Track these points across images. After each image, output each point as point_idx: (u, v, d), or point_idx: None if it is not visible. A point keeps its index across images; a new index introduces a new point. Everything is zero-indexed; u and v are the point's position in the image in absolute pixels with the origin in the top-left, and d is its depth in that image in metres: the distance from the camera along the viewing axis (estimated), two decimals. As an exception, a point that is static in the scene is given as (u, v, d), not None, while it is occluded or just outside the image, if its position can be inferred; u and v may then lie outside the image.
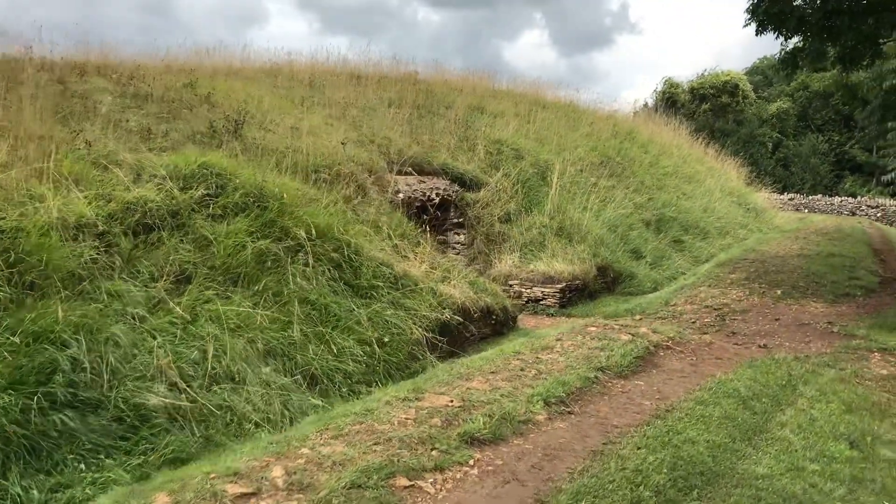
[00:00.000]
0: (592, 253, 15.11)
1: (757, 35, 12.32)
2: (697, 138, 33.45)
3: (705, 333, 11.59)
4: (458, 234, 14.74)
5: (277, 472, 4.36)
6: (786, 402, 6.94)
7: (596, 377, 6.77)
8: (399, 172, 14.06)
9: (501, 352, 7.47)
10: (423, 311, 9.72)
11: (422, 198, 13.71)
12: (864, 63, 12.85)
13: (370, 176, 12.72)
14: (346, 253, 9.54)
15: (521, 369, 6.68)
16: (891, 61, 9.69)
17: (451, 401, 5.66)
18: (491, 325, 11.27)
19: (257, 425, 6.91)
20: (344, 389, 7.99)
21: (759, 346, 10.34)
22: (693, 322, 12.33)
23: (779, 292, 13.12)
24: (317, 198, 10.78)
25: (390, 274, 9.84)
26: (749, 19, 12.35)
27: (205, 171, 9.24)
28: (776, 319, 11.86)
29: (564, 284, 13.71)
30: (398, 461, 4.63)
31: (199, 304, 7.81)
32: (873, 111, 10.51)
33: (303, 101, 15.26)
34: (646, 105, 59.66)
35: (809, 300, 12.83)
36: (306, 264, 9.14)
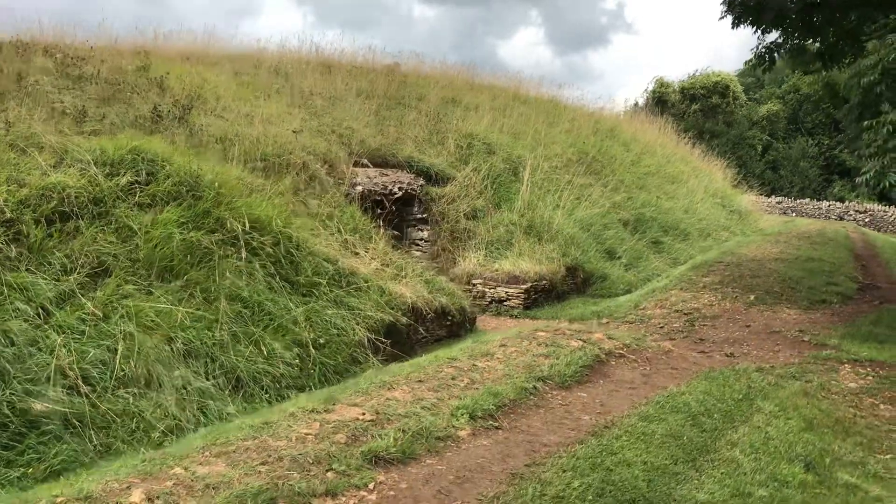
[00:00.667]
0: (562, 252, 14.56)
1: (733, 28, 11.79)
2: (684, 138, 32.92)
3: (672, 339, 11.07)
4: (422, 230, 14.16)
5: (137, 497, 3.78)
6: (740, 418, 6.40)
7: (534, 388, 6.21)
8: (360, 164, 13.48)
9: (436, 358, 6.91)
10: (368, 310, 9.15)
11: (382, 191, 13.12)
12: (847, 61, 12.32)
13: (326, 167, 12.13)
14: (286, 247, 8.95)
15: (453, 378, 6.11)
16: (869, 57, 9.14)
17: (364, 413, 5.09)
18: (446, 326, 10.72)
19: (165, 433, 6.33)
20: (270, 394, 7.42)
21: (726, 355, 9.81)
22: (661, 327, 11.80)
23: (752, 297, 12.60)
24: (262, 188, 10.19)
25: (335, 270, 9.26)
26: (725, 11, 11.82)
27: (135, 156, 8.63)
28: (747, 326, 11.33)
29: (530, 285, 13.15)
30: (283, 485, 4.06)
31: (115, 299, 7.22)
32: (851, 109, 9.98)
33: (265, 88, 14.65)
34: (636, 104, 59.38)
35: (783, 306, 12.31)
36: (241, 258, 8.55)
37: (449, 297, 10.84)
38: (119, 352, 6.58)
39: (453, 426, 5.15)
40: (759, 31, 11.77)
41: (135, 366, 6.61)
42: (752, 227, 27.89)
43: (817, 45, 11.93)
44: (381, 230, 11.15)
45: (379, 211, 11.68)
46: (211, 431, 5.16)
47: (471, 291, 13.24)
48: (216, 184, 8.97)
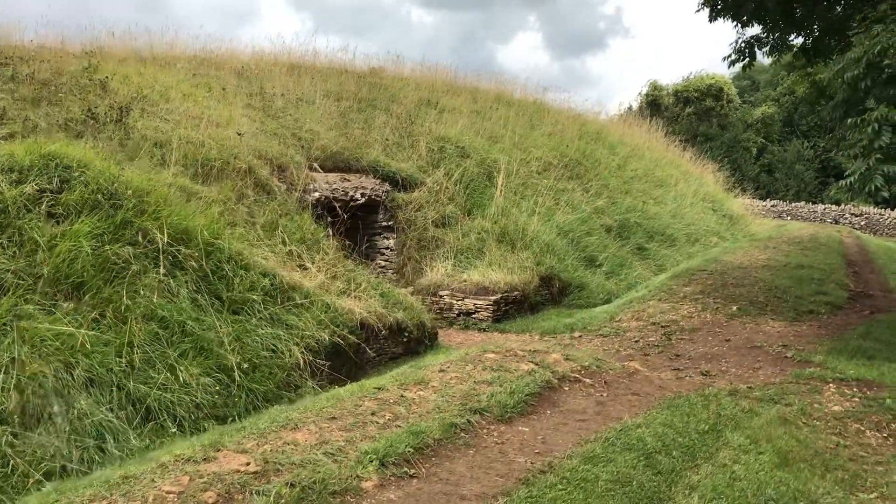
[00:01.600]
0: (536, 261, 13.79)
1: (710, 21, 11.04)
2: (674, 141, 32.17)
3: (646, 355, 10.32)
4: (388, 239, 13.39)
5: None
6: (704, 454, 5.62)
7: (468, 423, 5.42)
8: (321, 169, 12.71)
9: (360, 388, 6.12)
10: (309, 329, 8.37)
11: (343, 197, 12.35)
12: (833, 56, 11.56)
13: (278, 172, 11.37)
14: (217, 260, 8.17)
15: (373, 413, 5.33)
16: (853, 50, 8.39)
17: (249, 462, 4.30)
18: (403, 343, 9.94)
19: (48, 476, 5.55)
20: (185, 426, 6.64)
21: (701, 374, 9.05)
22: (636, 341, 11.04)
23: (734, 308, 11.82)
24: (199, 195, 9.43)
25: (272, 285, 8.48)
26: (701, 4, 11.07)
27: (49, 162, 7.85)
28: (727, 340, 10.56)
29: (500, 296, 12.38)
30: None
31: (8, 320, 6.43)
32: (836, 107, 9.23)
33: (223, 90, 13.89)
34: (630, 108, 58.71)
35: (767, 318, 11.54)
36: (166, 273, 7.77)
37: (406, 312, 10.06)
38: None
39: (357, 476, 4.37)
40: (739, 25, 11.02)
41: (19, 397, 5.83)
42: (743, 231, 27.13)
43: (801, 39, 11.20)
44: (333, 240, 10.37)
45: (330, 219, 10.89)
46: (57, 488, 4.36)
47: (437, 304, 12.48)
48: (140, 191, 8.18)
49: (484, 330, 12.10)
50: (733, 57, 11.16)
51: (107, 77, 11.78)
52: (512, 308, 12.72)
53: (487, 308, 12.20)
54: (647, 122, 33.71)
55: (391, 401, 5.64)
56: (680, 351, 10.37)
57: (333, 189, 12.22)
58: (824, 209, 44.98)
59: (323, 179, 12.25)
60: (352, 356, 8.81)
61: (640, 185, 23.34)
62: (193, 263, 7.98)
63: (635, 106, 58.71)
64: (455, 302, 12.41)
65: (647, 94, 60.71)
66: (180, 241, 8.05)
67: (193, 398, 6.84)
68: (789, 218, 43.50)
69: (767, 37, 11.01)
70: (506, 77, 26.30)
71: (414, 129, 16.02)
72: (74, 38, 15.06)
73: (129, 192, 8.04)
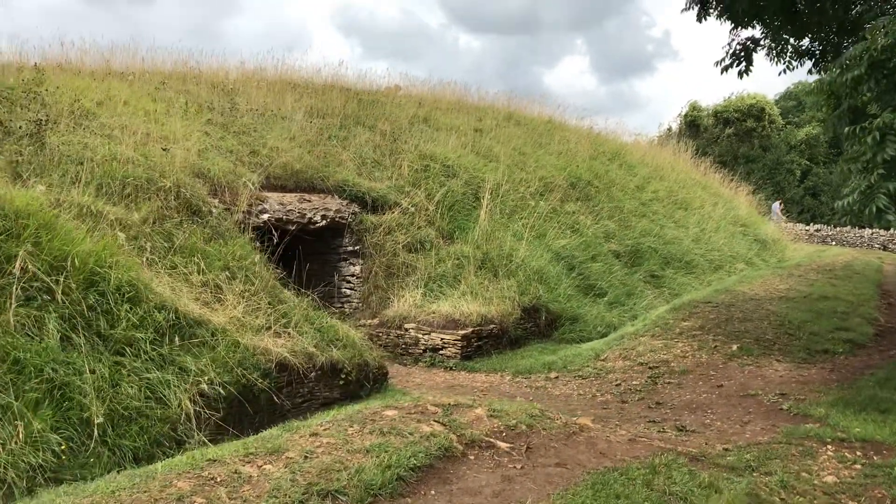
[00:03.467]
0: (520, 290, 12.48)
1: (699, 21, 9.69)
2: (708, 162, 30.53)
3: (623, 402, 8.99)
4: (353, 265, 12.23)
5: None
6: (621, 557, 4.29)
7: (308, 512, 4.18)
8: (279, 189, 11.65)
9: (192, 460, 4.92)
10: (208, 372, 7.21)
11: (298, 220, 11.24)
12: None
13: (222, 191, 10.31)
14: (101, 292, 7.07)
15: (179, 499, 4.13)
16: (855, 47, 7.01)
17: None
18: (339, 386, 8.74)
19: None
20: (18, 491, 5.52)
21: (677, 428, 7.68)
22: (617, 385, 9.69)
23: (734, 347, 10.35)
24: (109, 217, 8.39)
25: (169, 321, 7.35)
26: (689, 2, 9.74)
27: None
28: (719, 386, 9.13)
29: (470, 330, 11.10)
30: None
31: None
32: (841, 115, 7.83)
33: (186, 104, 12.94)
34: (669, 129, 57.03)
35: (772, 359, 10.06)
36: (38, 308, 6.71)
37: (345, 350, 8.86)
38: None
39: None
40: (734, 26, 9.66)
41: None
42: (777, 257, 25.37)
43: (806, 41, 9.78)
44: (268, 267, 9.24)
45: (275, 244, 9.76)
46: None
47: (403, 338, 11.26)
48: (20, 213, 7.15)
49: (450, 368, 10.84)
50: (727, 62, 9.79)
51: (45, 89, 10.89)
52: (487, 343, 11.42)
53: (455, 343, 10.94)
54: (678, 142, 32.27)
55: (218, 479, 4.42)
56: (663, 398, 8.99)
57: (288, 211, 11.12)
58: (872, 234, 42.56)
59: (277, 200, 11.16)
60: (265, 403, 7.62)
61: (659, 208, 21.87)
62: (72, 296, 6.90)
63: (675, 127, 57.07)
64: (421, 336, 11.17)
65: (686, 115, 58.93)
66: (60, 270, 6.98)
67: (38, 458, 5.71)
68: (833, 243, 41.24)
69: (766, 38, 9.64)
70: (514, 94, 24.90)
71: (398, 147, 14.90)
72: (52, 54, 14.33)
73: (2, 212, 7.01)
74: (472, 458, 5.30)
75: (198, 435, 6.76)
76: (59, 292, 6.85)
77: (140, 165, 9.55)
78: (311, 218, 11.39)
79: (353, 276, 12.16)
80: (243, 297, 8.48)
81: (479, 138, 18.06)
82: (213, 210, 9.86)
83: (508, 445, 5.57)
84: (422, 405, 6.04)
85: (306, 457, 4.86)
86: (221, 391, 7.18)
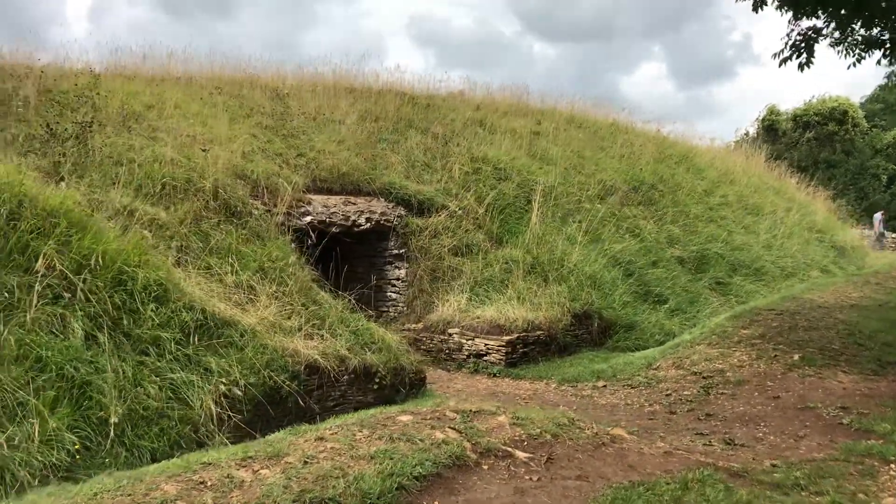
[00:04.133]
0: (571, 296, 12.06)
1: (755, 11, 9.10)
2: (783, 166, 29.35)
3: (672, 413, 8.51)
4: (398, 269, 12.03)
5: None
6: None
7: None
8: (325, 191, 11.56)
9: (185, 463, 4.73)
10: (234, 373, 7.09)
11: (343, 222, 11.11)
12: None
13: (264, 193, 10.26)
14: (129, 291, 7.04)
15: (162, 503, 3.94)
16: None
17: None
18: (373, 390, 8.52)
19: None
20: (32, 485, 5.47)
21: (724, 442, 7.18)
22: (668, 395, 9.21)
23: (796, 357, 9.71)
24: (145, 216, 8.40)
25: (197, 321, 7.26)
26: (742, -10, 9.19)
27: (-56, 177, 6.98)
28: (775, 398, 8.55)
29: (516, 336, 10.76)
30: None
31: None
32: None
33: (239, 108, 13.01)
34: (746, 134, 55.29)
35: (837, 370, 9.38)
36: (64, 306, 6.71)
37: (380, 354, 8.64)
38: None
39: None
40: (794, 16, 9.07)
41: None
42: (856, 264, 24.12)
43: (875, 30, 9.10)
44: (304, 269, 9.10)
45: (292, 245, 9.62)
46: None
47: (446, 343, 11.00)
48: (51, 211, 7.19)
49: (494, 375, 10.51)
50: (786, 53, 9.18)
51: (97, 93, 11.08)
52: (534, 350, 11.05)
53: (500, 350, 10.60)
54: (753, 146, 31.20)
55: (207, 483, 4.24)
56: (714, 409, 8.47)
57: (332, 213, 11.00)
58: (964, 241, 40.22)
59: (321, 202, 11.05)
60: (292, 407, 7.45)
61: (728, 213, 21.03)
62: (99, 294, 6.87)
63: (752, 132, 55.31)
64: (465, 342, 10.88)
65: (763, 119, 57.03)
66: (88, 269, 6.97)
67: (48, 457, 5.66)
68: (922, 251, 39.10)
69: (829, 28, 9.01)
70: (577, 97, 24.38)
71: (449, 150, 14.67)
72: (114, 60, 14.63)
73: (34, 211, 7.05)
74: (485, 467, 4.99)
75: (219, 436, 6.64)
76: (87, 290, 6.85)
77: (182, 167, 9.57)
78: (354, 220, 11.25)
79: (398, 279, 11.97)
80: (276, 299, 8.36)
81: (536, 141, 17.69)
82: (254, 211, 9.80)
83: (527, 455, 5.23)
84: (440, 410, 5.76)
85: (306, 462, 4.63)
86: (247, 392, 7.05)
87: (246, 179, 10.28)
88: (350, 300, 9.16)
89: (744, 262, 18.50)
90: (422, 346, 11.27)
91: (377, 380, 8.50)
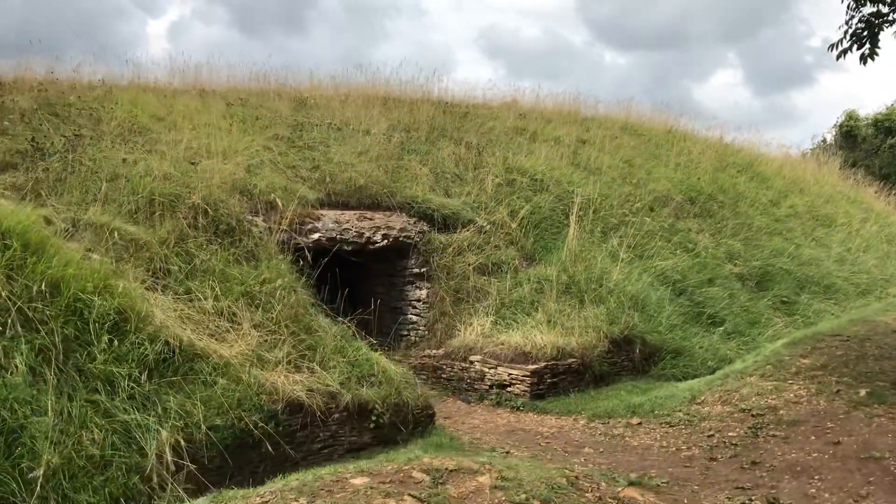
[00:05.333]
0: (610, 319, 10.94)
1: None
2: (854, 174, 27.41)
3: (713, 459, 7.37)
4: (419, 289, 11.10)
5: None
6: None
7: None
8: (340, 206, 10.76)
9: None
10: (199, 413, 6.28)
11: (356, 239, 10.27)
12: None
13: (265, 208, 9.50)
14: (85, 321, 6.31)
15: None
16: None
17: None
18: (370, 430, 7.61)
19: None
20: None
21: (768, 501, 6.03)
22: (709, 436, 8.05)
23: (862, 393, 8.39)
24: (129, 236, 7.71)
25: (160, 354, 6.49)
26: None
27: None
28: (835, 443, 7.28)
29: (543, 365, 9.71)
30: None
31: None
32: None
33: (257, 119, 12.35)
34: (823, 141, 52.71)
35: (912, 409, 8.05)
36: (11, 338, 6.01)
37: (380, 388, 7.74)
38: None
39: None
40: (855, 2, 7.83)
41: None
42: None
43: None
44: (300, 293, 8.27)
45: (292, 265, 8.76)
46: None
47: (467, 371, 10.04)
48: (8, 232, 6.54)
49: (518, 409, 9.48)
50: (845, 44, 7.93)
51: (102, 105, 10.56)
52: (565, 380, 9.98)
53: (524, 380, 9.58)
54: (828, 153, 29.38)
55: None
56: (761, 456, 7.28)
57: (343, 230, 10.17)
58: None
59: (332, 218, 10.24)
60: (268, 451, 6.59)
61: (796, 225, 19.48)
62: (49, 325, 6.16)
63: (830, 139, 52.69)
64: (487, 370, 9.89)
65: (841, 126, 54.24)
66: (41, 296, 6.27)
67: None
68: None
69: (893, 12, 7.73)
70: (633, 102, 23.15)
71: (483, 161, 13.72)
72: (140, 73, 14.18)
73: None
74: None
75: (172, 488, 5.82)
76: (37, 320, 6.15)
77: (175, 182, 8.88)
78: (369, 237, 10.40)
79: (419, 300, 11.05)
80: (261, 327, 7.55)
81: (582, 150, 16.59)
82: (253, 229, 9.04)
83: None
84: (407, 470, 4.79)
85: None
86: (210, 436, 6.22)
87: (247, 194, 9.54)
88: (350, 326, 8.28)
89: (813, 278, 16.97)
90: (442, 375, 10.33)
91: (374, 418, 7.58)
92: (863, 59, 7.88)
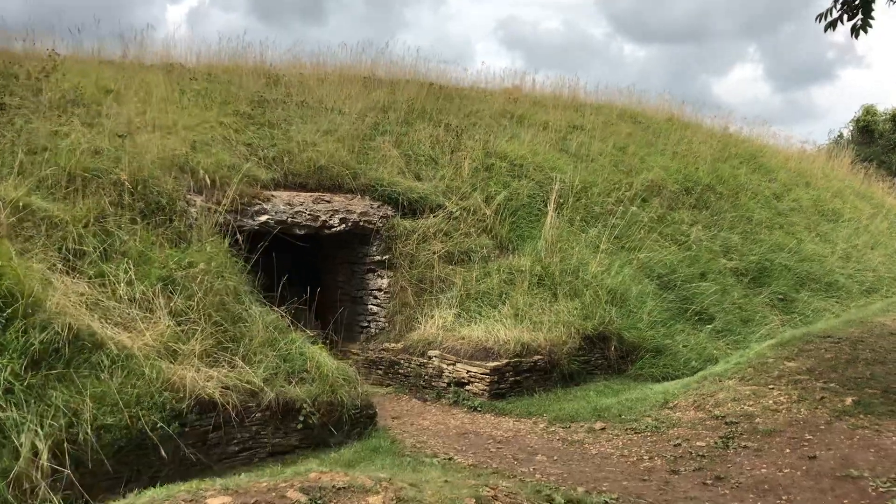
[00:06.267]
0: (584, 313, 10.19)
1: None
2: (865, 168, 26.44)
3: (673, 473, 6.59)
4: (381, 277, 10.37)
5: None
6: None
7: None
8: (298, 187, 10.06)
9: None
10: (88, 410, 5.61)
11: (310, 223, 9.56)
12: None
13: (205, 188, 8.80)
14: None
15: None
16: None
17: None
18: (297, 430, 6.92)
19: None
20: None
21: (724, 527, 5.29)
22: (676, 445, 7.31)
23: (848, 401, 7.62)
24: (44, 212, 7.05)
25: (51, 344, 5.81)
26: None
27: None
28: (811, 458, 6.52)
29: (505, 362, 8.98)
30: None
31: None
32: None
33: (218, 95, 11.65)
34: (840, 136, 51.51)
35: (902, 420, 7.26)
36: None
37: (311, 385, 7.05)
38: None
39: None
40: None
41: None
42: (953, 279, 21.19)
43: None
44: (229, 279, 7.56)
45: (231, 249, 8.06)
46: None
47: (425, 367, 9.34)
48: None
49: (475, 409, 8.76)
50: (835, 13, 7.08)
51: (46, 76, 9.90)
52: (529, 379, 9.26)
53: (483, 378, 8.85)
54: (845, 149, 28.51)
55: None
56: (728, 470, 6.54)
57: (296, 212, 9.45)
58: None
59: (285, 200, 9.53)
60: (168, 455, 5.91)
61: (799, 219, 18.63)
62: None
63: (847, 134, 51.44)
64: (445, 367, 9.17)
65: (858, 121, 52.96)
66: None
67: None
68: None
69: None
70: (634, 89, 22.38)
71: (462, 143, 12.95)
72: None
73: None
74: None
75: (46, 494, 5.15)
76: None
77: (106, 157, 8.20)
78: (325, 221, 9.68)
79: (380, 290, 10.33)
80: (180, 315, 6.86)
81: (573, 135, 15.80)
82: (192, 209, 8.35)
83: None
84: (283, 488, 4.08)
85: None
86: (101, 437, 5.55)
87: (188, 171, 8.84)
88: (285, 316, 7.58)
89: (814, 274, 16.15)
90: (400, 371, 9.64)
91: (301, 418, 6.89)
92: (854, 31, 7.05)
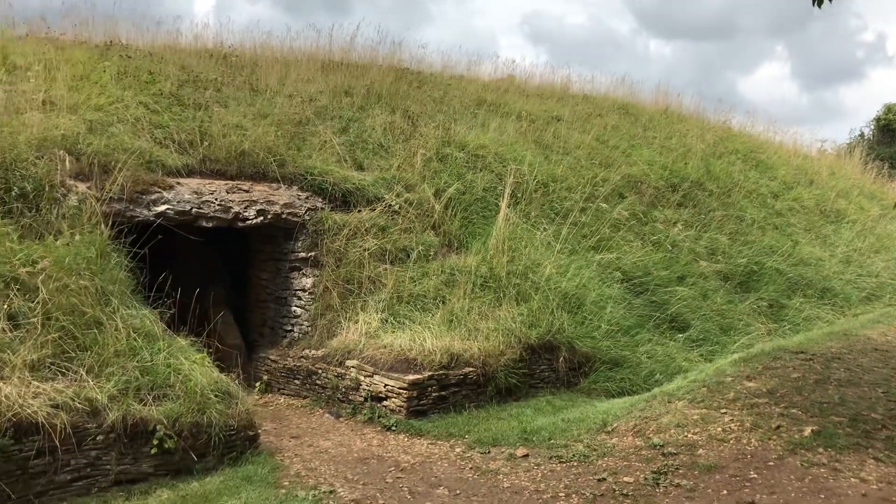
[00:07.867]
0: (530, 321, 9.15)
1: None
2: (877, 166, 25.10)
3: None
4: (305, 276, 9.37)
5: None
6: None
7: None
8: (216, 175, 9.11)
9: None
10: None
11: (220, 214, 8.58)
12: None
13: (96, 174, 7.84)
14: None
15: None
16: None
17: None
18: (151, 455, 5.95)
19: None
20: None
21: None
22: (599, 481, 6.27)
23: (807, 431, 6.53)
24: None
25: None
26: None
27: None
28: (749, 503, 5.46)
29: (428, 375, 7.97)
30: None
31: None
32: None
33: (142, 73, 10.71)
34: (861, 135, 49.93)
35: (865, 456, 6.16)
36: None
37: (172, 403, 6.08)
38: None
39: None
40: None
41: None
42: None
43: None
44: (80, 276, 6.60)
45: (109, 243, 7.08)
46: None
47: (342, 379, 8.34)
48: None
49: (390, 428, 7.74)
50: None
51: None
52: (459, 394, 8.24)
53: (401, 393, 7.83)
54: (865, 148, 27.33)
55: None
56: (649, 517, 5.47)
57: (203, 202, 8.47)
58: None
59: (191, 188, 8.55)
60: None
61: (798, 220, 17.45)
62: None
63: (868, 133, 49.84)
64: (363, 379, 8.17)
65: (879, 119, 51.26)
66: None
67: None
68: None
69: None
70: (631, 79, 21.25)
71: (418, 131, 11.93)
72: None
73: None
74: None
75: None
76: None
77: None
78: (238, 213, 8.69)
79: (304, 290, 9.32)
80: (16, 318, 5.90)
81: (552, 126, 14.72)
82: (72, 196, 7.41)
83: None
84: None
85: None
86: None
87: (75, 154, 7.89)
88: (154, 322, 6.60)
89: (809, 279, 14.99)
90: (317, 381, 8.66)
91: (156, 442, 5.91)
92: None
